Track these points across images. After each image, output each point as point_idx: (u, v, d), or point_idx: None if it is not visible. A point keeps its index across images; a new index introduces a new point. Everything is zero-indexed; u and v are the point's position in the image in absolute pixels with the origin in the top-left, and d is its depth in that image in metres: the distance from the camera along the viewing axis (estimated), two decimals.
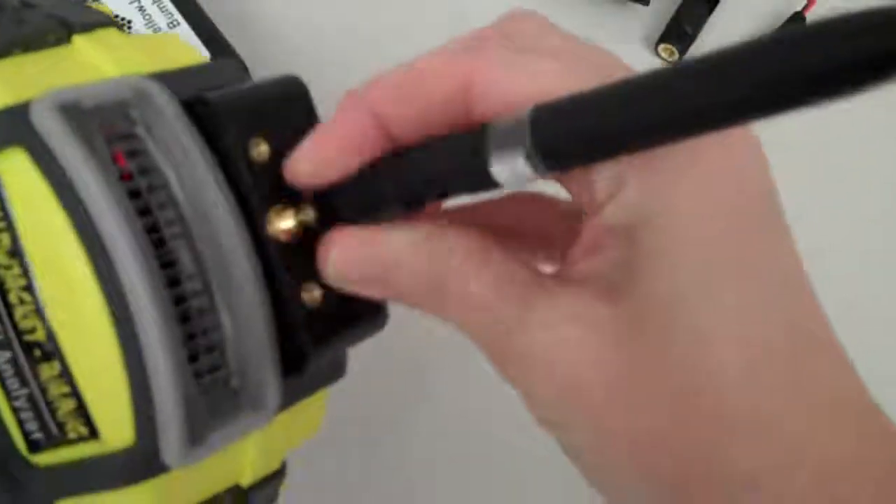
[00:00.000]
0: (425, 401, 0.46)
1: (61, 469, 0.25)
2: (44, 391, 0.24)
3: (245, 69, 0.33)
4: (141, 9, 0.44)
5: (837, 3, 0.54)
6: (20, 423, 0.25)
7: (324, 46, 0.49)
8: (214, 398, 0.24)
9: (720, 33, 0.55)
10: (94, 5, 0.32)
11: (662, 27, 0.53)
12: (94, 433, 0.24)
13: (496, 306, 0.23)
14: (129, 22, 0.43)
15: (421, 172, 0.24)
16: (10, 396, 0.25)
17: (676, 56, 0.53)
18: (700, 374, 0.21)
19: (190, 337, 0.24)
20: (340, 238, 0.25)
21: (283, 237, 0.25)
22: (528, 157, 0.21)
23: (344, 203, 0.25)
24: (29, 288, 0.24)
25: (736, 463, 0.21)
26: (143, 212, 0.24)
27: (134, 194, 0.24)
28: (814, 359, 0.22)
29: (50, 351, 0.24)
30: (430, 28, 0.48)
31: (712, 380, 0.21)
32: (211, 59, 0.36)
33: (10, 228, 0.24)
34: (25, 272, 0.24)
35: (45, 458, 0.25)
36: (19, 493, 0.26)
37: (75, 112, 0.23)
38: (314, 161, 0.24)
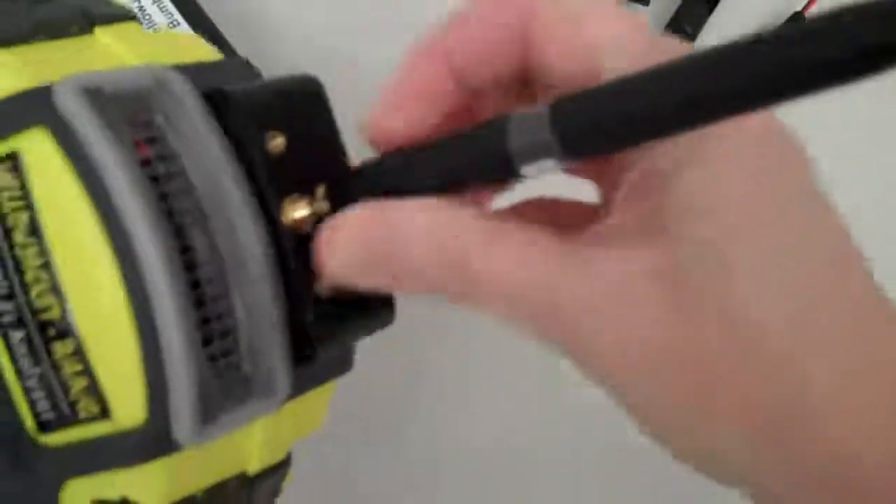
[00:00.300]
0: (426, 399, 0.46)
1: (72, 449, 0.25)
2: (56, 370, 0.25)
3: (254, 69, 0.33)
4: (141, 9, 0.45)
5: (837, 2, 0.55)
6: (31, 403, 0.25)
7: (324, 46, 0.50)
8: (226, 381, 0.25)
9: (720, 33, 0.55)
10: None
11: (662, 27, 0.54)
12: (105, 412, 0.24)
13: (534, 272, 0.22)
14: None
15: (445, 162, 0.24)
16: (21, 376, 0.25)
17: None
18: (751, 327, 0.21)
19: (204, 321, 0.24)
20: (345, 220, 0.24)
21: (296, 227, 0.26)
22: (550, 149, 0.21)
23: (361, 193, 0.25)
24: (46, 266, 0.24)
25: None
26: (161, 197, 0.24)
27: (152, 180, 0.24)
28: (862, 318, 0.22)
29: (64, 329, 0.24)
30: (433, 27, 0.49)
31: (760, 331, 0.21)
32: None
33: (30, 208, 0.24)
34: (44, 251, 0.24)
35: (55, 439, 0.25)
36: (29, 474, 0.26)
37: (98, 96, 0.24)
38: (402, 118, 0.24)
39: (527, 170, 0.22)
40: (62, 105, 0.24)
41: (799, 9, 0.55)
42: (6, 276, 0.25)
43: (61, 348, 0.24)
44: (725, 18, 0.55)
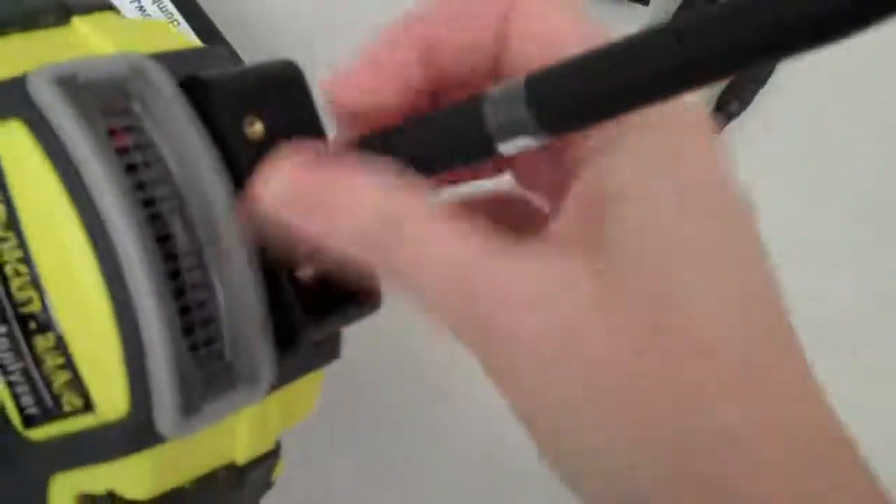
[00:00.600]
0: (415, 396, 0.46)
1: (57, 443, 0.25)
2: (39, 364, 0.24)
3: (237, 57, 0.33)
4: (141, 8, 0.45)
5: None
6: (16, 397, 0.25)
7: (325, 46, 0.50)
8: (209, 370, 0.24)
9: None
10: None
11: None
12: (88, 405, 0.24)
13: (465, 251, 0.22)
14: None
15: (422, 143, 0.24)
16: (5, 371, 0.25)
17: None
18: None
19: (185, 310, 0.24)
20: (287, 157, 0.24)
21: None
22: (527, 125, 0.21)
23: None
24: (25, 260, 0.24)
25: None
26: (139, 186, 0.24)
27: (130, 168, 0.24)
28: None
29: (45, 322, 0.24)
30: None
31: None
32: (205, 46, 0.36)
33: (7, 201, 0.24)
34: (22, 244, 0.24)
35: (40, 433, 0.25)
36: (16, 469, 0.26)
37: (72, 85, 0.24)
38: (364, 88, 0.24)
39: (505, 148, 0.22)
40: (37, 95, 0.23)
41: None
42: None
43: (43, 342, 0.24)
44: None
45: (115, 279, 0.23)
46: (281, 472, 0.30)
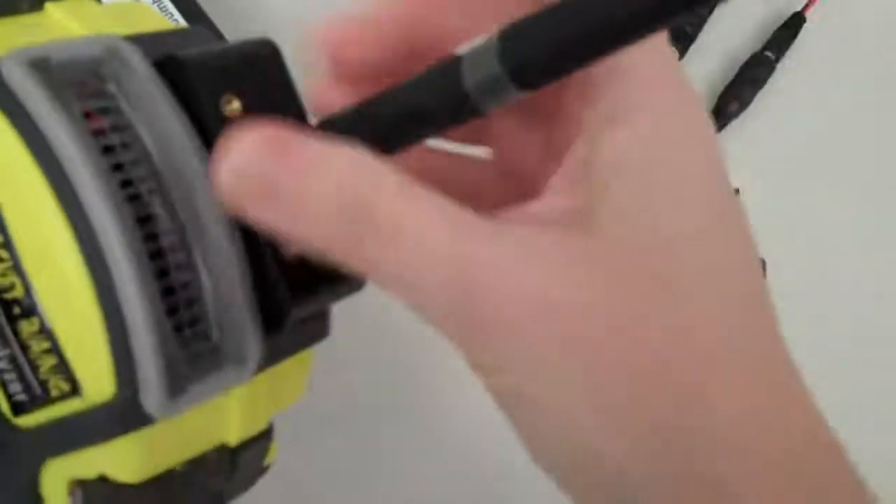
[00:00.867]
0: (407, 395, 0.46)
1: (47, 429, 0.25)
2: (25, 349, 0.24)
3: (222, 38, 0.33)
4: None
5: (837, 2, 0.55)
6: (4, 385, 0.25)
7: (314, 27, 0.49)
8: (194, 350, 0.24)
9: (720, 33, 0.54)
10: None
11: None
12: (76, 389, 0.24)
13: (445, 235, 0.21)
14: None
15: (404, 106, 0.23)
16: None
17: (676, 56, 0.53)
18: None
19: (169, 291, 0.24)
20: (245, 133, 0.22)
21: None
22: (501, 79, 0.21)
23: None
24: (6, 245, 0.24)
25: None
26: (117, 167, 0.24)
27: (107, 150, 0.24)
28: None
29: (29, 307, 0.24)
30: None
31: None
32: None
33: None
34: (2, 229, 0.24)
35: (29, 420, 0.25)
36: (7, 457, 0.26)
37: (44, 67, 0.23)
38: (360, 41, 0.24)
39: (487, 106, 0.22)
40: (9, 78, 0.23)
41: (799, 9, 0.55)
42: None
43: (27, 327, 0.24)
44: (725, 18, 0.54)
45: (96, 261, 0.23)
46: (274, 457, 0.30)
